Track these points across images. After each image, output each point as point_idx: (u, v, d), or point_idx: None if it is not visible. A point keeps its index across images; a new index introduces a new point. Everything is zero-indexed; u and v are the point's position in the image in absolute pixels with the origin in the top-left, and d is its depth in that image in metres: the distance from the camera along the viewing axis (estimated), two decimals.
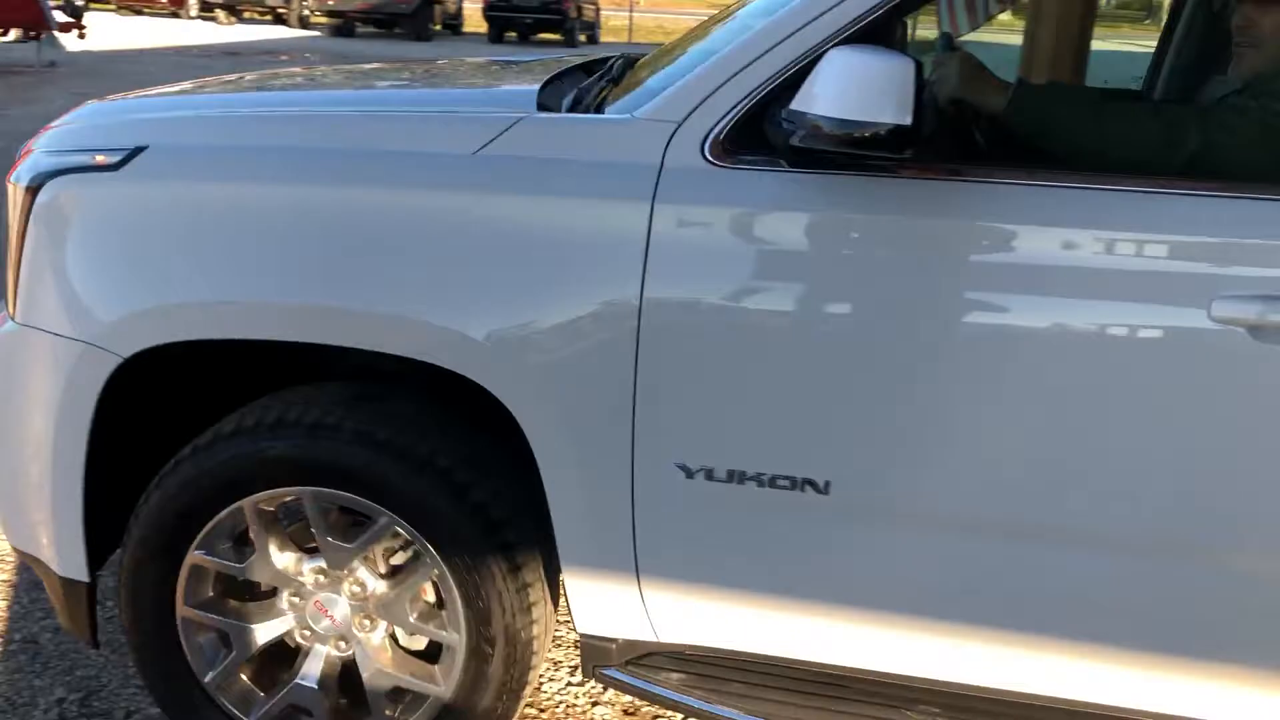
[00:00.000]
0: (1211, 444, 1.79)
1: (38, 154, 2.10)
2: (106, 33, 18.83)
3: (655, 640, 2.10)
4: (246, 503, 2.05)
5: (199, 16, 26.25)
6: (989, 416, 1.83)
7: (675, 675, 2.11)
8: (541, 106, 2.08)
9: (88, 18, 17.11)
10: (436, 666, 2.16)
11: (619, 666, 2.13)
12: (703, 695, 2.08)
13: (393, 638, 2.21)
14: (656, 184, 1.84)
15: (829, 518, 1.91)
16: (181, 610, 2.16)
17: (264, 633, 2.21)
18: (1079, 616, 1.91)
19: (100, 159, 2.01)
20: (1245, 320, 1.72)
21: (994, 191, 1.82)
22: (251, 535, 2.11)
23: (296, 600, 2.18)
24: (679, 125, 1.86)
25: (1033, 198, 1.80)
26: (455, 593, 2.05)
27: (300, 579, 2.15)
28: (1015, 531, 1.88)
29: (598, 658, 2.13)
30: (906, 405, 1.85)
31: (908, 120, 1.64)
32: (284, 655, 2.25)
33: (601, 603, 2.05)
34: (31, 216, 2.04)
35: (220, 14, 26.27)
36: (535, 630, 2.10)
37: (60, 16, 15.58)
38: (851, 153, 1.70)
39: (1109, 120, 1.94)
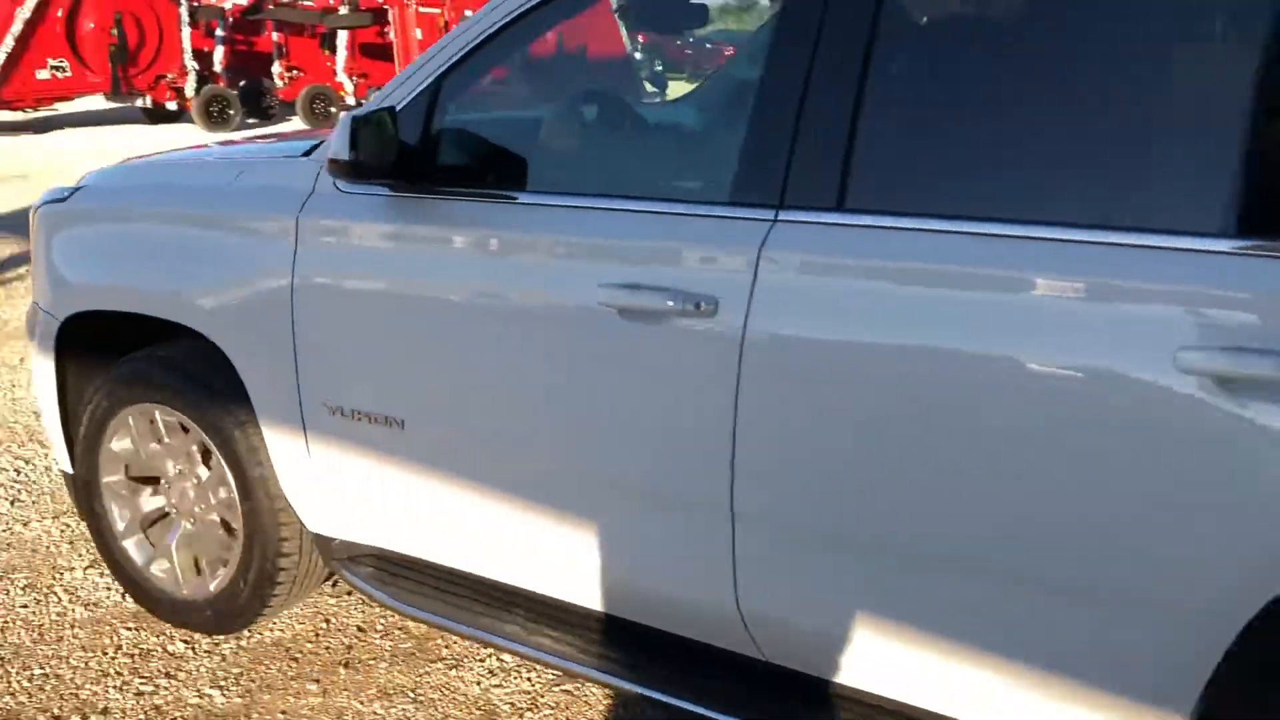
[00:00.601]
0: (612, 400, 2.26)
1: (53, 188, 3.26)
2: None
3: (360, 543, 2.83)
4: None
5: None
6: (483, 377, 2.43)
7: (370, 570, 2.82)
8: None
9: None
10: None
11: (341, 561, 2.88)
12: (382, 588, 2.77)
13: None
14: (304, 204, 2.63)
15: (412, 449, 2.57)
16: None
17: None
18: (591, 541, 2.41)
19: (67, 193, 3.14)
20: (616, 304, 2.18)
21: (464, 205, 2.45)
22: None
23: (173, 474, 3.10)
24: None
25: (492, 210, 2.41)
26: (224, 464, 2.89)
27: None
28: (537, 475, 2.45)
29: (327, 553, 2.89)
30: (437, 363, 2.49)
31: (346, 156, 2.32)
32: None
33: (308, 507, 2.82)
34: (33, 229, 3.21)
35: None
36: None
37: None
38: (342, 178, 2.45)
39: None
